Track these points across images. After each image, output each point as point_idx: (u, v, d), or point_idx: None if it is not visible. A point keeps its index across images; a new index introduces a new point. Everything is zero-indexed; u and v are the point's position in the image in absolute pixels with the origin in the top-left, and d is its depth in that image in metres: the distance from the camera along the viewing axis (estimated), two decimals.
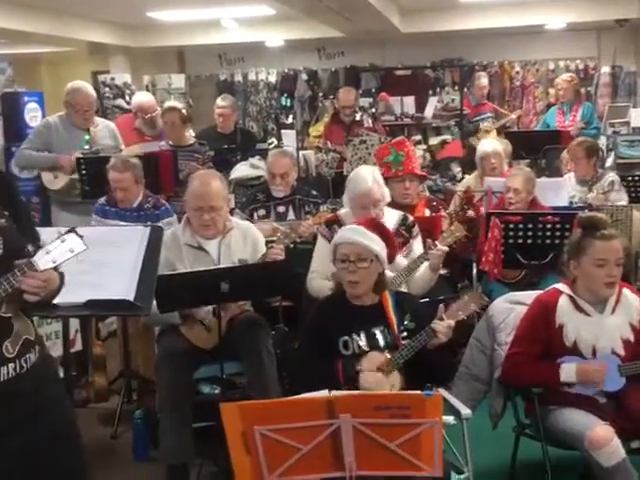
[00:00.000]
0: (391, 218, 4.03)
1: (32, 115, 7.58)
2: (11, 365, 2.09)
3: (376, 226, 3.20)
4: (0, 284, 2.00)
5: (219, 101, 6.60)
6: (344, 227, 3.26)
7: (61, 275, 2.18)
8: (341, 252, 3.03)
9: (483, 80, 8.13)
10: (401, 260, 3.81)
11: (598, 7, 8.77)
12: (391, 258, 3.19)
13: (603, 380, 2.99)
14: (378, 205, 3.91)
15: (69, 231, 2.08)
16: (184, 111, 5.89)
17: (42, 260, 2.02)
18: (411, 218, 4.10)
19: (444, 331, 2.85)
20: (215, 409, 2.19)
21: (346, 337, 2.96)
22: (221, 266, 3.59)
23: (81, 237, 2.08)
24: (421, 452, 2.15)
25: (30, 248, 2.10)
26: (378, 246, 3.04)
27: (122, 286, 3.07)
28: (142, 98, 6.45)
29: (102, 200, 4.74)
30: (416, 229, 4.06)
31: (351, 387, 2.82)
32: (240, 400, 2.30)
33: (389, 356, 2.90)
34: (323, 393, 2.16)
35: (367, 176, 3.93)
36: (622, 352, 3.04)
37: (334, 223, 3.97)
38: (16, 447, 2.09)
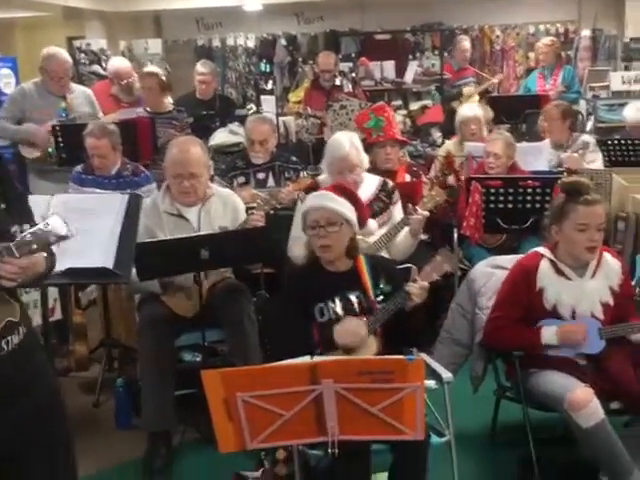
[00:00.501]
0: (371, 184, 4.02)
1: (5, 81, 7.42)
2: None
3: (344, 190, 3.20)
4: None
5: (199, 67, 6.50)
6: (312, 194, 3.24)
7: (51, 257, 2.12)
8: (311, 218, 3.02)
9: (465, 43, 8.05)
10: (373, 224, 3.81)
11: None
12: (362, 222, 3.18)
13: (584, 338, 3.01)
14: (355, 170, 3.89)
15: (52, 215, 2.02)
16: (163, 77, 5.80)
17: (21, 245, 1.96)
18: (391, 184, 4.09)
19: (418, 293, 2.85)
20: (197, 376, 2.18)
21: (321, 304, 2.96)
22: (201, 233, 3.56)
23: (65, 223, 2.00)
24: (403, 416, 2.16)
25: (15, 229, 2.02)
26: (347, 210, 3.04)
27: (101, 254, 3.05)
28: (118, 64, 6.33)
29: (79, 168, 4.67)
30: (396, 195, 4.05)
31: (330, 347, 2.83)
32: (222, 367, 2.29)
33: (365, 320, 2.89)
34: (306, 359, 2.16)
35: (345, 141, 3.91)
36: (601, 316, 3.07)
37: (313, 189, 3.94)
38: None
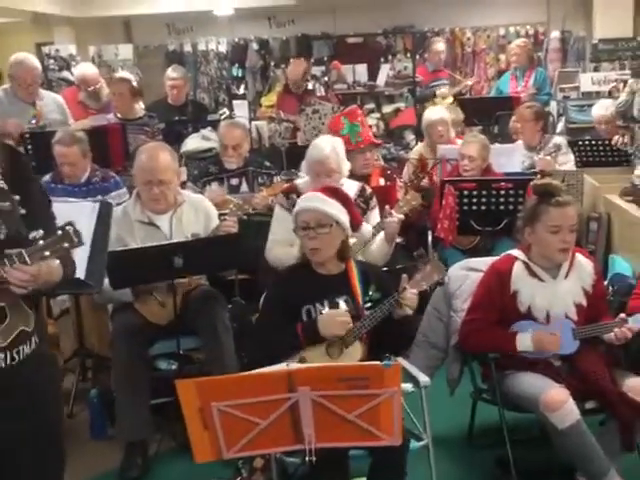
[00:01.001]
0: (349, 189, 4.00)
1: None
2: (1, 355, 2.01)
3: (335, 192, 3.18)
4: None
5: (170, 72, 6.46)
6: (303, 195, 3.23)
7: (69, 265, 2.10)
8: (301, 219, 3.01)
9: (439, 45, 8.07)
10: (367, 228, 3.80)
11: None
12: (355, 225, 3.16)
13: (558, 348, 3.03)
14: (332, 176, 3.87)
15: (67, 224, 1.99)
16: (134, 83, 5.75)
17: (33, 252, 1.94)
18: (369, 190, 4.08)
19: (410, 303, 2.84)
20: (172, 385, 2.16)
21: (309, 306, 2.95)
22: (174, 241, 3.53)
23: (79, 232, 1.99)
24: (380, 422, 2.15)
25: (33, 235, 1.99)
26: (338, 211, 3.02)
27: None
28: (84, 70, 6.28)
29: (47, 178, 4.59)
30: (374, 201, 4.04)
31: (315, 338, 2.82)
32: (198, 375, 2.28)
33: (351, 325, 2.87)
34: (281, 366, 2.14)
35: (326, 145, 3.90)
36: (575, 317, 3.09)
37: (292, 192, 3.93)
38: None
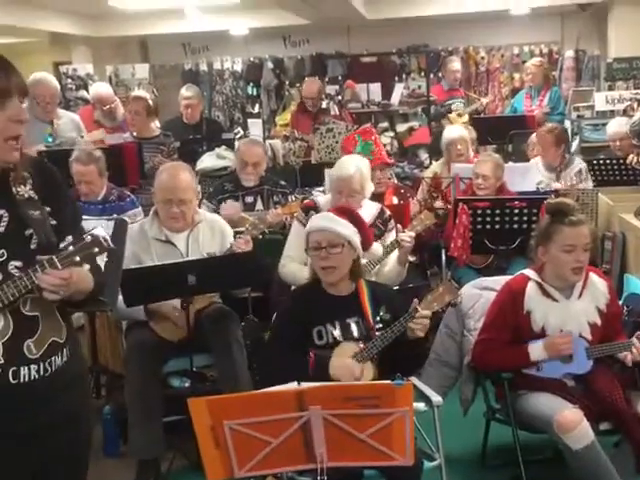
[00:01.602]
0: (369, 210, 4.02)
1: None
2: (33, 367, 2.00)
3: (347, 213, 3.19)
4: (20, 280, 1.91)
5: (184, 92, 6.52)
6: (315, 215, 3.24)
7: (99, 273, 2.07)
8: (313, 239, 3.02)
9: (455, 64, 8.08)
10: (378, 247, 3.80)
11: None
12: (366, 245, 3.17)
13: (571, 348, 3.00)
14: (355, 196, 3.87)
15: (94, 229, 1.99)
16: (150, 102, 5.81)
17: (63, 257, 1.93)
18: (388, 212, 4.08)
19: (420, 326, 2.82)
20: (185, 403, 2.16)
21: (320, 327, 2.94)
22: (188, 258, 3.55)
23: (107, 236, 1.98)
24: (392, 441, 2.14)
25: (63, 245, 1.98)
26: (349, 231, 3.03)
27: None
28: (100, 89, 6.35)
29: None
30: (392, 223, 4.04)
31: (323, 376, 2.81)
32: (211, 393, 2.27)
33: (362, 346, 2.88)
34: (292, 385, 2.14)
35: (352, 164, 3.91)
36: (589, 336, 3.07)
37: (311, 209, 3.94)
38: (33, 454, 2.02)
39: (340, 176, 3.88)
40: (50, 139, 5.21)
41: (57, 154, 4.96)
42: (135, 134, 5.66)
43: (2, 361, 1.95)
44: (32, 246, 1.99)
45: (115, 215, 4.31)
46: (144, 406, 3.44)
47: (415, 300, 2.86)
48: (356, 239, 3.04)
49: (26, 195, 2.00)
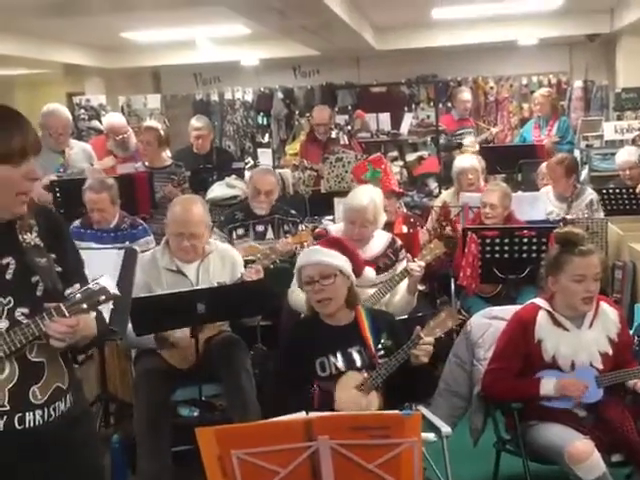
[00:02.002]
0: (380, 240, 4.03)
1: None
2: (38, 412, 2.02)
3: (334, 242, 3.22)
4: (27, 327, 1.94)
5: (194, 122, 6.57)
6: (303, 251, 3.25)
7: (102, 319, 2.13)
8: (305, 274, 3.04)
9: (465, 94, 8.14)
10: (370, 272, 3.80)
11: (569, 23, 8.90)
12: (357, 271, 3.18)
13: (581, 394, 2.99)
14: (367, 226, 3.90)
15: (101, 277, 2.04)
16: (162, 131, 5.86)
17: (71, 305, 1.97)
18: (399, 242, 4.09)
19: (424, 352, 2.83)
20: (194, 432, 2.16)
21: (322, 358, 2.94)
22: (197, 287, 3.56)
23: (113, 285, 2.03)
24: (401, 472, 2.12)
25: (69, 292, 2.04)
26: (339, 261, 3.04)
27: None
28: (113, 119, 6.42)
29: (76, 223, 4.69)
30: (403, 253, 4.05)
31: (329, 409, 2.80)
32: (220, 422, 2.27)
33: (366, 376, 2.88)
34: (300, 415, 2.14)
35: (365, 195, 3.94)
36: (600, 366, 3.06)
37: (323, 237, 3.95)
38: None
39: (353, 206, 3.91)
40: (61, 169, 5.25)
41: (68, 184, 5.01)
42: (147, 164, 5.71)
43: (8, 407, 1.97)
44: (38, 293, 2.02)
45: (127, 242, 4.34)
46: (153, 435, 3.42)
47: (417, 327, 2.86)
48: (347, 267, 3.06)
49: (32, 243, 2.04)
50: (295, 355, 2.99)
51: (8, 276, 1.99)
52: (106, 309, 2.19)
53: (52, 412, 2.05)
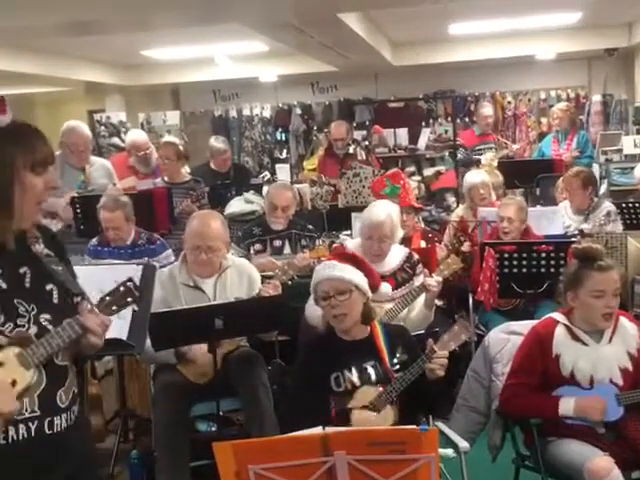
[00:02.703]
0: (397, 254, 4.04)
1: None
2: (64, 416, 2.04)
3: (349, 258, 3.21)
4: (63, 331, 1.99)
5: (218, 145, 6.59)
6: (318, 266, 3.26)
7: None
8: (321, 290, 3.04)
9: (487, 110, 8.05)
10: (386, 287, 3.80)
11: (588, 37, 8.88)
12: (373, 286, 3.18)
13: (602, 416, 2.96)
14: (385, 241, 3.91)
15: (128, 280, 2.11)
16: (181, 147, 5.92)
17: (104, 307, 2.06)
18: (416, 256, 4.10)
19: (438, 366, 2.82)
20: (212, 447, 2.17)
21: (337, 373, 2.94)
22: (215, 302, 3.58)
23: (136, 285, 2.11)
24: None
25: (76, 300, 2.10)
26: (354, 275, 3.04)
27: (115, 325, 3.05)
28: (135, 136, 6.49)
29: (94, 241, 4.73)
30: (420, 267, 4.05)
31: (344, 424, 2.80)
32: (237, 437, 2.28)
33: (381, 390, 2.87)
34: (317, 430, 2.14)
35: (382, 210, 3.95)
36: (620, 382, 3.02)
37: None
38: None
39: (371, 222, 3.92)
40: (82, 185, 5.30)
41: (89, 200, 5.06)
42: (166, 179, 5.76)
43: (39, 413, 1.99)
44: (55, 300, 2.06)
45: (146, 259, 4.37)
46: (171, 450, 3.44)
47: (430, 340, 2.86)
48: (363, 282, 3.06)
49: (44, 252, 2.09)
50: (310, 371, 2.99)
51: (27, 285, 2.03)
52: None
53: (72, 415, 2.07)
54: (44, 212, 5.28)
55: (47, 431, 2.00)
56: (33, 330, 1.99)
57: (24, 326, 1.98)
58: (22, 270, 2.04)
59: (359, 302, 3.01)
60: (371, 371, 2.95)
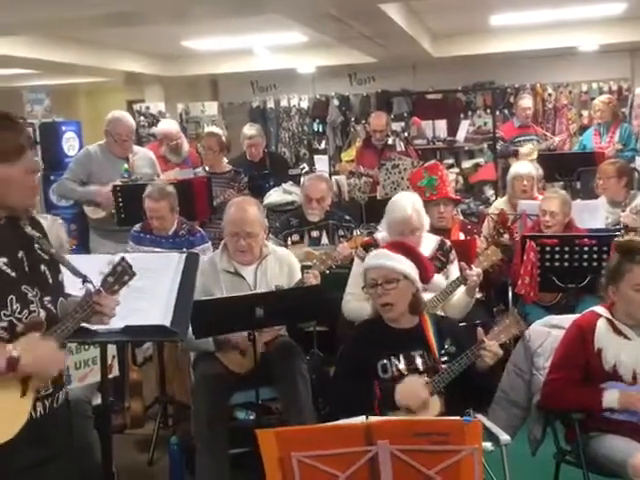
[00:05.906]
0: (429, 243, 4.03)
1: (70, 144, 7.74)
2: (64, 390, 2.17)
3: (401, 247, 3.20)
4: (77, 313, 2.06)
5: (247, 131, 6.63)
6: (370, 253, 3.26)
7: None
8: (369, 277, 3.05)
9: (526, 101, 7.90)
10: (440, 279, 3.80)
11: (631, 28, 8.71)
12: (425, 278, 3.16)
13: None
14: (415, 233, 3.90)
15: (122, 260, 2.17)
16: (223, 138, 5.96)
17: (109, 287, 2.13)
18: (448, 243, 4.09)
19: (491, 355, 2.82)
20: (251, 435, 2.19)
21: (385, 360, 2.95)
22: (256, 291, 3.60)
23: (130, 265, 2.17)
24: (460, 479, 2.11)
25: (60, 279, 2.18)
26: (404, 265, 3.04)
27: (158, 312, 3.08)
28: (167, 126, 6.55)
29: (137, 227, 4.79)
30: (453, 254, 4.05)
31: (390, 403, 2.79)
32: (275, 426, 2.29)
33: (428, 380, 2.87)
34: (360, 419, 2.15)
35: (407, 204, 3.94)
36: None
37: (371, 246, 3.97)
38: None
39: (398, 219, 3.91)
40: (127, 174, 5.35)
41: (131, 189, 5.12)
42: (207, 169, 5.81)
43: (51, 390, 2.11)
44: (49, 281, 2.13)
45: (185, 249, 4.41)
46: (211, 438, 3.47)
47: (480, 330, 2.85)
48: (413, 272, 3.05)
49: (36, 235, 2.15)
50: (357, 356, 3.00)
51: (26, 269, 2.09)
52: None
53: (66, 390, 2.20)
54: (85, 200, 5.41)
55: (55, 406, 2.12)
56: (43, 314, 2.06)
57: (35, 311, 2.05)
58: (20, 255, 2.09)
59: (407, 292, 3.01)
60: (419, 360, 2.96)
